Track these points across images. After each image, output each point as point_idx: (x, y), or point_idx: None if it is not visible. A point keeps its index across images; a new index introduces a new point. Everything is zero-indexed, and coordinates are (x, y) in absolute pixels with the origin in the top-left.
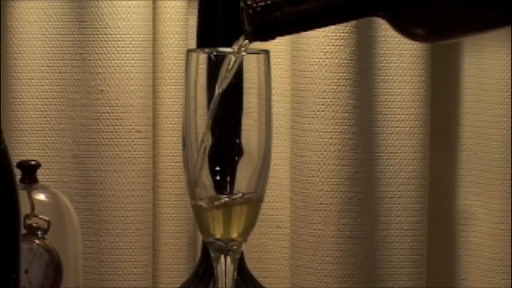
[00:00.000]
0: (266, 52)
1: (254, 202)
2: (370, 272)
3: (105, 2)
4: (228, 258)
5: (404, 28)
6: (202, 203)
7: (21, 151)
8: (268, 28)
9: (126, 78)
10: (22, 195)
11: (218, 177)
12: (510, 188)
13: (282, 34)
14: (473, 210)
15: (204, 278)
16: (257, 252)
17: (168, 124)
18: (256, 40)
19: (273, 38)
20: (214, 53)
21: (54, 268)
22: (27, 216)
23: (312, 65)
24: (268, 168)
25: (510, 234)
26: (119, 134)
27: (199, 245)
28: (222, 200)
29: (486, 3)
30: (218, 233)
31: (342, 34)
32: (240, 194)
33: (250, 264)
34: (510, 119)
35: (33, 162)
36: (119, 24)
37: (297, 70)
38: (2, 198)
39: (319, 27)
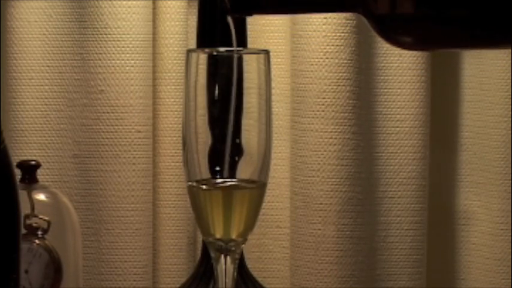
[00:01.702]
0: (266, 52)
1: (255, 191)
2: (370, 272)
3: (105, 2)
4: (228, 258)
5: (383, 33)
6: (202, 186)
7: (21, 151)
8: (246, 4)
9: (126, 78)
10: (22, 195)
11: (218, 177)
12: (510, 188)
13: (260, 13)
14: (473, 210)
15: (204, 278)
16: (257, 252)
17: (168, 124)
18: (234, 15)
19: (250, 14)
20: (214, 53)
21: (54, 268)
22: (27, 216)
23: (312, 65)
24: (268, 167)
25: (510, 234)
26: (119, 134)
27: (199, 245)
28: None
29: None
30: (218, 232)
31: (342, 34)
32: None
33: (250, 264)
34: (510, 119)
35: (33, 162)
36: (119, 24)
37: (297, 70)
38: (2, 198)
39: (298, 13)
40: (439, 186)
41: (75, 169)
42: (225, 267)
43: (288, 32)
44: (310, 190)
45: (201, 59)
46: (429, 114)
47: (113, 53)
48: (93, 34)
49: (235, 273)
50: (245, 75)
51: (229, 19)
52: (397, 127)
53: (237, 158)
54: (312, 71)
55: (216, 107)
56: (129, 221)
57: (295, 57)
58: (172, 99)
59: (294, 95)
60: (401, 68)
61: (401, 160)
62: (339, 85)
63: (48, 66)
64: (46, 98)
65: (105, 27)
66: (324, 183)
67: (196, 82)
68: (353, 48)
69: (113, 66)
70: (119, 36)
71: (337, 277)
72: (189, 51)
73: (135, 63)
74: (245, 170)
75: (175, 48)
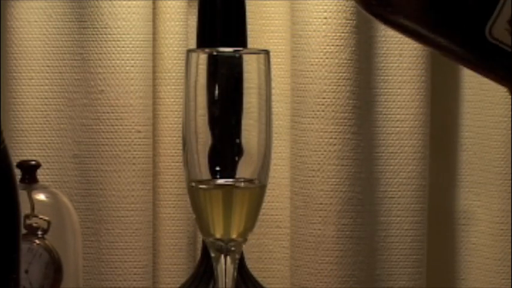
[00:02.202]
0: (266, 52)
1: (255, 191)
2: (370, 272)
3: (105, 2)
4: (228, 258)
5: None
6: (202, 185)
7: (21, 151)
8: None
9: (126, 78)
10: (22, 195)
11: (218, 177)
12: (510, 188)
13: None
14: (473, 210)
15: (204, 278)
16: (257, 252)
17: (168, 124)
18: None
19: None
20: (214, 53)
21: (54, 268)
22: (27, 216)
23: (312, 65)
24: (268, 167)
25: (510, 234)
26: (119, 134)
27: (199, 245)
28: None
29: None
30: (218, 232)
31: (342, 34)
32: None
33: (250, 264)
34: (510, 119)
35: (33, 162)
36: (119, 24)
37: (297, 70)
38: (2, 198)
39: None
40: (439, 186)
41: (75, 169)
42: (225, 267)
43: (288, 32)
44: (310, 190)
45: (201, 59)
46: (429, 114)
47: (113, 53)
48: (93, 34)
49: (235, 273)
50: (245, 75)
51: None
52: (397, 127)
53: (237, 158)
54: (312, 71)
55: (216, 107)
56: (129, 221)
57: (295, 57)
58: (172, 99)
59: (294, 95)
60: (401, 68)
61: (401, 160)
62: (339, 85)
63: (48, 66)
64: (46, 98)
65: (105, 27)
66: (324, 183)
67: (196, 82)
68: (353, 48)
69: (113, 66)
70: (119, 36)
71: (337, 277)
72: (189, 51)
73: (135, 63)
74: (245, 170)
75: (175, 48)
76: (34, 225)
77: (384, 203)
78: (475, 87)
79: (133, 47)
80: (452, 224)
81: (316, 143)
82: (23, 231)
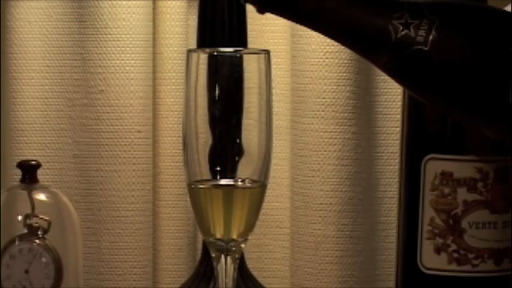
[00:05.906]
0: (266, 52)
1: (255, 190)
2: (370, 272)
3: (105, 2)
4: (228, 258)
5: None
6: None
7: (21, 151)
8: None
9: (126, 78)
10: (22, 195)
11: (218, 177)
12: None
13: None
14: None
15: (204, 278)
16: (257, 252)
17: (168, 124)
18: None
19: (262, 13)
20: (215, 53)
21: (55, 268)
22: (27, 216)
23: (312, 65)
24: (268, 166)
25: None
26: (119, 134)
27: (199, 245)
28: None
29: None
30: (218, 232)
31: None
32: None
33: (250, 264)
34: None
35: (33, 162)
36: (119, 24)
37: (297, 70)
38: None
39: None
40: None
41: (75, 169)
42: (225, 267)
43: (288, 32)
44: (310, 190)
45: (202, 59)
46: None
47: (113, 53)
48: (93, 34)
49: (235, 273)
50: (245, 75)
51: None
52: (397, 127)
53: (237, 158)
54: (312, 71)
55: (216, 107)
56: (129, 221)
57: (295, 57)
58: (172, 99)
59: (294, 95)
60: None
61: None
62: (339, 85)
63: (48, 66)
64: (46, 98)
65: (105, 27)
66: (324, 183)
67: (196, 82)
68: None
69: (113, 66)
70: (119, 36)
71: (337, 277)
72: (189, 51)
73: (135, 63)
74: (245, 170)
75: (175, 48)
76: (34, 225)
77: (384, 203)
78: None
79: (133, 47)
80: None
81: (316, 143)
82: (23, 231)
